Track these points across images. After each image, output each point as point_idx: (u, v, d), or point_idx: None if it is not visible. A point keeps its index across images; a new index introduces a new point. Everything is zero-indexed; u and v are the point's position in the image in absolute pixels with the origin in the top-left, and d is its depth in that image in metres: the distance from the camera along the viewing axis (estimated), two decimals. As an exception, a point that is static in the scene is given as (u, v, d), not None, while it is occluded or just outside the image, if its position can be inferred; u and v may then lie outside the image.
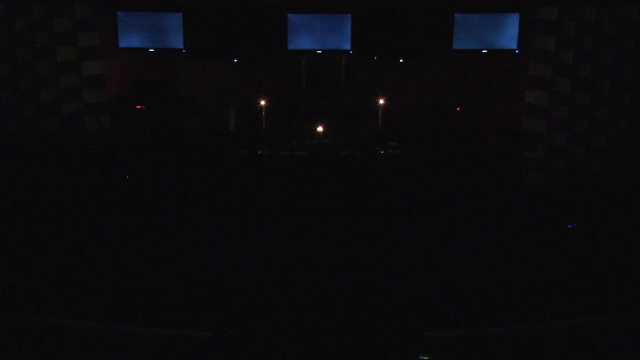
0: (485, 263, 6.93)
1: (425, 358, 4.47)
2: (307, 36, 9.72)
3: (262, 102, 9.82)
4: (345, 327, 5.63)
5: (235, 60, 10.13)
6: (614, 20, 9.24)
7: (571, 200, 9.02)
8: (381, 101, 9.90)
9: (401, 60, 10.02)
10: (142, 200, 8.76)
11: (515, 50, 9.61)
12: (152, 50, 9.81)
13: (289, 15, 9.60)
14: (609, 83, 9.39)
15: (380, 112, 9.94)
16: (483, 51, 9.71)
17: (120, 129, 9.93)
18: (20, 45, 9.20)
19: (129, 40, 9.71)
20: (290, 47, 9.72)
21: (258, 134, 9.92)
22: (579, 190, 9.40)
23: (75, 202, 8.58)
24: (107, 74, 9.74)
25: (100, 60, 9.59)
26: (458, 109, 10.37)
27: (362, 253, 7.25)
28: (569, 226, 8.01)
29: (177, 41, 9.70)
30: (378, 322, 5.71)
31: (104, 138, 9.59)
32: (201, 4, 9.64)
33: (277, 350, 5.33)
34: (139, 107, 9.99)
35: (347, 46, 9.74)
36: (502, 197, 8.97)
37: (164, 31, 9.70)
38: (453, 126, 10.17)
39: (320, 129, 9.83)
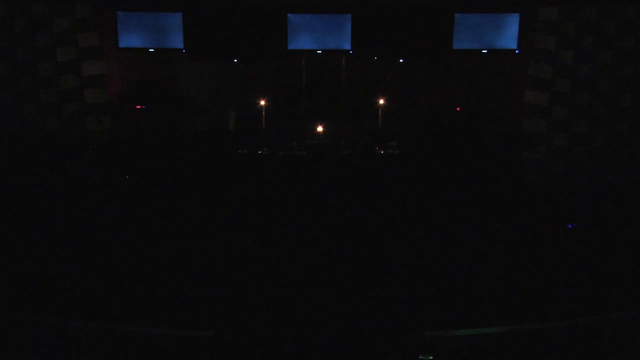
0: (485, 263, 6.92)
1: (425, 358, 4.46)
2: (307, 36, 9.72)
3: (262, 102, 9.82)
4: (345, 327, 5.63)
5: (235, 60, 10.13)
6: (614, 20, 9.24)
7: (571, 200, 9.02)
8: (381, 101, 9.89)
9: (401, 60, 10.02)
10: (142, 200, 8.76)
11: (515, 50, 9.62)
12: (152, 50, 9.81)
13: (289, 15, 9.60)
14: (609, 83, 9.40)
15: (380, 112, 9.94)
16: (483, 51, 9.72)
17: (120, 129, 9.93)
18: (20, 45, 9.20)
19: (129, 40, 9.72)
20: (290, 47, 9.72)
21: (258, 134, 9.92)
22: (579, 190, 9.41)
23: (75, 202, 8.58)
24: (107, 74, 9.75)
25: (100, 60, 9.60)
26: (458, 109, 10.37)
27: (362, 253, 7.25)
28: (569, 226, 8.01)
29: (177, 41, 9.71)
30: (378, 322, 5.71)
31: (104, 138, 9.60)
32: (201, 4, 9.64)
33: (277, 350, 5.33)
34: (139, 107, 9.99)
35: (347, 46, 9.74)
36: (502, 197, 8.97)
37: (164, 31, 9.70)
38: (453, 126, 10.16)
39: (320, 129, 9.83)
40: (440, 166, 9.32)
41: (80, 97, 9.60)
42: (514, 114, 9.95)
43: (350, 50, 9.76)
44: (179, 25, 9.65)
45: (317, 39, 9.74)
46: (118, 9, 9.59)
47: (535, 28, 9.44)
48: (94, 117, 9.51)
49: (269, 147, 9.42)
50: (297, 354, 5.32)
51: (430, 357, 4.44)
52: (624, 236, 7.60)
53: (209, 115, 10.65)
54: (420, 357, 4.45)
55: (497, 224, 8.05)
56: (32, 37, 9.24)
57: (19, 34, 9.17)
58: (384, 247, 7.43)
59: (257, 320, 5.72)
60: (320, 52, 9.83)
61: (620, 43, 9.28)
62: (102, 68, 9.64)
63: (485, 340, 4.67)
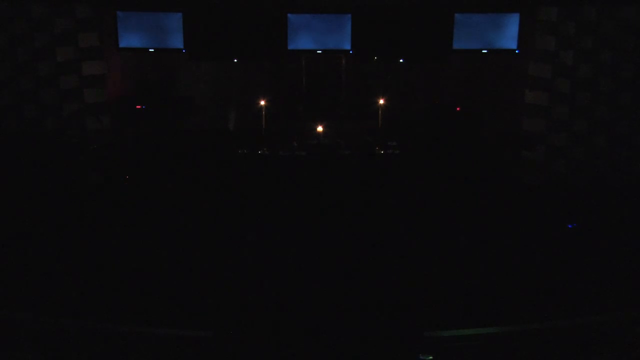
0: (485, 263, 6.93)
1: (425, 358, 4.47)
2: (307, 36, 9.72)
3: (262, 102, 9.82)
4: (345, 327, 5.63)
5: (235, 60, 10.13)
6: (614, 20, 9.24)
7: (571, 200, 9.01)
8: (381, 101, 9.89)
9: (401, 61, 10.02)
10: (142, 200, 8.76)
11: (515, 50, 9.62)
12: (152, 50, 9.81)
13: (289, 15, 9.61)
14: (609, 83, 9.39)
15: (380, 112, 9.94)
16: (483, 51, 9.72)
17: (120, 129, 9.93)
18: (20, 45, 9.20)
19: (129, 40, 9.72)
20: (290, 47, 9.72)
21: (258, 134, 9.92)
22: (579, 190, 9.40)
23: (75, 202, 8.58)
24: (107, 74, 9.74)
25: (100, 60, 9.59)
26: (458, 109, 10.38)
27: (362, 253, 7.25)
28: (569, 226, 8.01)
29: (177, 41, 9.72)
30: (378, 322, 5.71)
31: (104, 138, 9.60)
32: (201, 4, 9.64)
33: (277, 350, 5.33)
34: (139, 107, 9.99)
35: (347, 46, 9.74)
36: (502, 197, 8.96)
37: (164, 31, 9.71)
38: (453, 126, 10.17)
39: (320, 129, 9.84)
40: (440, 166, 9.32)
41: (80, 97, 9.59)
42: (514, 114, 9.95)
43: (350, 50, 9.76)
44: (179, 25, 9.66)
45: (317, 39, 9.74)
46: (118, 9, 9.60)
47: (536, 28, 9.43)
48: (93, 117, 9.51)
49: (269, 147, 9.43)
50: (297, 354, 5.32)
51: (430, 357, 4.45)
52: (624, 236, 7.60)
53: (209, 115, 10.65)
54: (420, 357, 4.45)
55: (496, 223, 8.06)
56: (32, 37, 9.23)
57: (19, 34, 9.16)
58: (384, 247, 7.43)
59: (257, 320, 5.72)
60: (320, 52, 9.83)
61: (620, 43, 9.28)
62: (102, 68, 9.63)
63: (485, 340, 4.67)
